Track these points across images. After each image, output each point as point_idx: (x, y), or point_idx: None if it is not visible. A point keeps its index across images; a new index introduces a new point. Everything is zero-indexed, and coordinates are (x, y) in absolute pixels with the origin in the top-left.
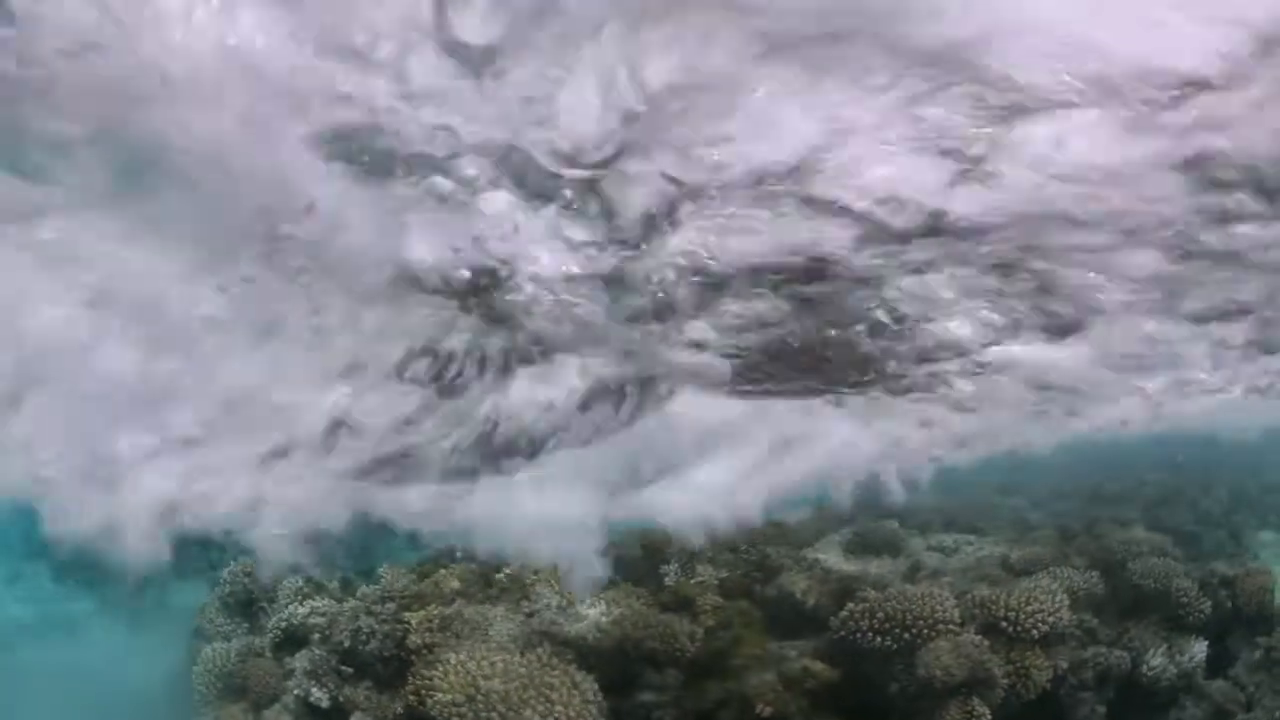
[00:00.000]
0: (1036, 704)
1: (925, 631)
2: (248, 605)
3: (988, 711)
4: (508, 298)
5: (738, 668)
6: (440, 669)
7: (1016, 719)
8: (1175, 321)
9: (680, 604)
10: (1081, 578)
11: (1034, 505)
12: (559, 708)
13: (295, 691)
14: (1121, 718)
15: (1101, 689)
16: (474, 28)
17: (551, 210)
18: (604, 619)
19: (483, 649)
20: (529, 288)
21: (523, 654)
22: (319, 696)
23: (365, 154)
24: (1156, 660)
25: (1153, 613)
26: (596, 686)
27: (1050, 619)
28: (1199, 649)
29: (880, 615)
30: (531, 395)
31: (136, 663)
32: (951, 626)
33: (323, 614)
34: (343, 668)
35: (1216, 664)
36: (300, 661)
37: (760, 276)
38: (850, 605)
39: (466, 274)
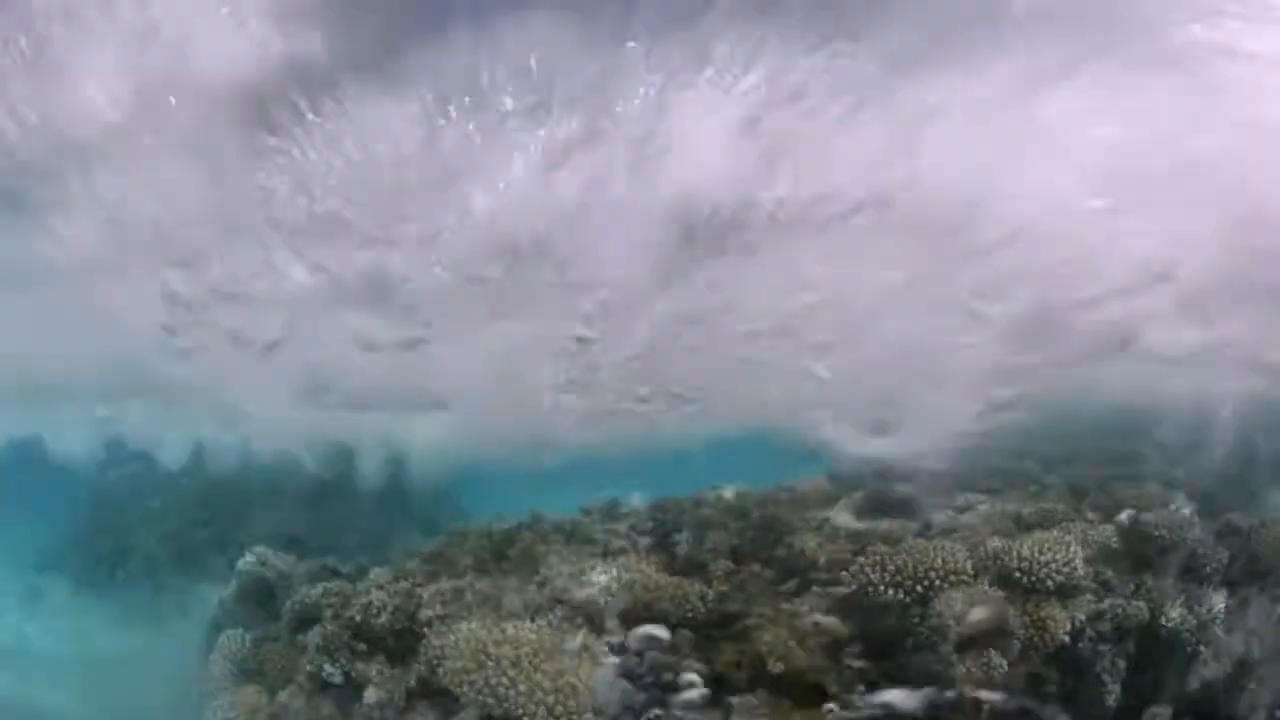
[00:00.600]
0: (1054, 656)
1: (938, 583)
2: (264, 595)
3: (1004, 663)
4: None
5: (749, 627)
6: (451, 638)
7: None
8: None
9: (692, 569)
10: (1096, 530)
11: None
12: (569, 670)
13: (308, 668)
14: (1141, 670)
15: (1120, 642)
16: None
17: None
18: (614, 584)
19: (493, 617)
20: None
21: (533, 620)
22: (331, 672)
23: None
24: (1175, 612)
25: (1169, 565)
26: (607, 648)
27: (1065, 570)
28: (1217, 601)
29: (892, 568)
30: None
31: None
32: (964, 577)
33: (335, 593)
34: (355, 643)
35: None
36: (313, 638)
37: None
38: (861, 559)
39: None
